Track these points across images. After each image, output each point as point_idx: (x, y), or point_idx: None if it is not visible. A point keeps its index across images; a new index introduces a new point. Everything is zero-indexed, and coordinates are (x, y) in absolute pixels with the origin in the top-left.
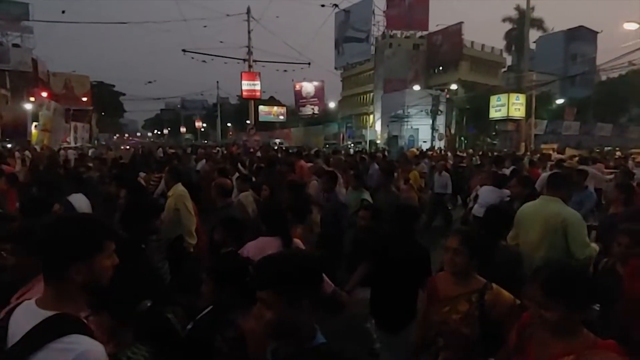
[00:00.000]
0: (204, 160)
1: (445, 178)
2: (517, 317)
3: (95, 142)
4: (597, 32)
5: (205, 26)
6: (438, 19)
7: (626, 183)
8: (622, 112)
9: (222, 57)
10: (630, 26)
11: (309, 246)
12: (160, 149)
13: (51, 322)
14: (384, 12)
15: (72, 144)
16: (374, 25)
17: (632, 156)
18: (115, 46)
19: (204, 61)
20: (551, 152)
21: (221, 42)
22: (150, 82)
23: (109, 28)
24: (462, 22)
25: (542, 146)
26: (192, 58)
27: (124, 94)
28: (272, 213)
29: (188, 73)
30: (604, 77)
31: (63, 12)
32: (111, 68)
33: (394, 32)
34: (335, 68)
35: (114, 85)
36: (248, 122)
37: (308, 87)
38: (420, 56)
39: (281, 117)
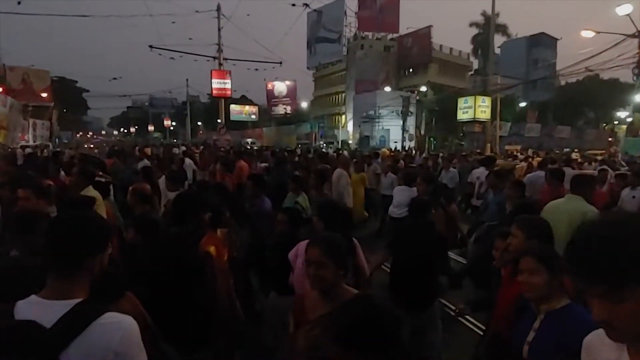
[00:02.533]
0: (145, 160)
1: (391, 179)
2: None
3: (57, 140)
4: (557, 39)
5: (173, 22)
6: (408, 22)
7: (519, 181)
8: (579, 116)
9: (192, 54)
10: (587, 34)
11: (233, 250)
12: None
13: (84, 306)
14: (355, 13)
15: (31, 142)
16: (345, 26)
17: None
18: (79, 40)
19: (172, 58)
20: (515, 152)
21: (190, 39)
22: (115, 78)
23: (71, 21)
24: (431, 26)
25: (506, 147)
26: (160, 55)
27: (87, 90)
28: (331, 211)
29: (156, 70)
30: (563, 82)
31: (19, 2)
32: (74, 63)
33: (366, 33)
34: (308, 68)
35: (76, 81)
36: (219, 121)
37: (280, 87)
38: (391, 58)
39: (253, 117)
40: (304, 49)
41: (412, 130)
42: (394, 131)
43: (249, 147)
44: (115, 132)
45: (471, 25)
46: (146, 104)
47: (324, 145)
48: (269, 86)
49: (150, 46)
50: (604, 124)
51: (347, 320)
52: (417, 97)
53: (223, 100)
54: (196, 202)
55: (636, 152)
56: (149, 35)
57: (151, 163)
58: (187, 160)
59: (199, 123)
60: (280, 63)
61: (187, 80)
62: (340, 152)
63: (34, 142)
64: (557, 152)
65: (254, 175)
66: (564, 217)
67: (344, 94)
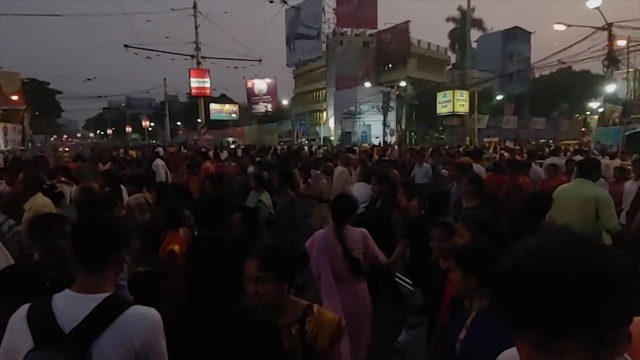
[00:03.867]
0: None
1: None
2: (339, 337)
3: (29, 144)
4: (531, 33)
5: (149, 20)
6: (386, 18)
7: (475, 177)
8: (553, 107)
9: (169, 53)
10: (559, 27)
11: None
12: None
13: (114, 298)
14: (333, 9)
15: (2, 147)
16: (324, 22)
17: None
18: (51, 41)
19: (148, 57)
20: (493, 144)
21: (167, 37)
22: (90, 79)
23: (42, 21)
24: (409, 21)
25: (485, 140)
26: (136, 54)
27: (60, 92)
28: (340, 204)
29: (132, 70)
30: (537, 75)
31: None
32: (46, 64)
33: (344, 29)
34: (287, 65)
35: (48, 83)
36: (199, 120)
37: (260, 85)
38: (370, 54)
39: (233, 115)
40: (283, 46)
41: (393, 125)
42: (375, 126)
43: (231, 146)
44: (91, 135)
45: (448, 20)
46: (123, 104)
47: (306, 142)
48: (249, 84)
49: (126, 45)
50: (577, 115)
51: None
52: (397, 92)
53: (202, 100)
54: (224, 203)
55: (608, 142)
56: (124, 34)
57: (119, 165)
58: (159, 162)
59: (179, 123)
60: (260, 61)
61: (164, 79)
62: (323, 148)
63: (5, 146)
64: (533, 142)
65: (211, 175)
66: (575, 199)
67: (324, 91)
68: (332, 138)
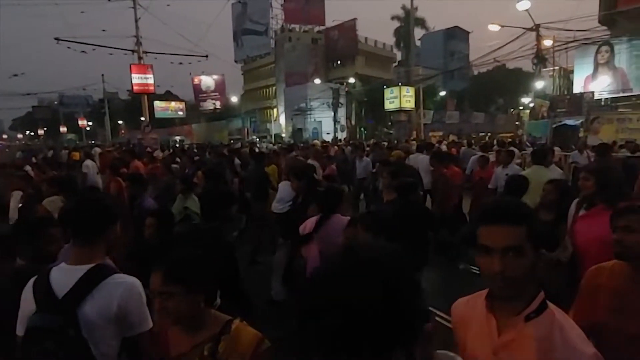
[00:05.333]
0: (28, 167)
1: None
2: (263, 357)
3: None
4: (469, 32)
5: (82, 12)
6: (333, 15)
7: (395, 170)
8: (491, 102)
9: (106, 47)
10: (493, 27)
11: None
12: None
13: (98, 268)
14: (281, 5)
15: None
16: (272, 18)
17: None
18: None
19: (84, 51)
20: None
21: (104, 30)
22: (17, 75)
23: None
24: (356, 19)
25: (430, 134)
26: (69, 48)
27: None
28: (327, 195)
29: (66, 65)
30: (476, 72)
31: None
32: None
33: (293, 26)
34: (236, 61)
35: None
36: (142, 119)
37: (208, 81)
38: (319, 50)
39: (180, 113)
40: (231, 42)
41: (343, 121)
42: (326, 123)
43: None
44: (20, 135)
45: (393, 18)
46: (56, 102)
47: (257, 139)
48: (196, 81)
49: (57, 39)
50: (512, 110)
51: None
52: (346, 89)
53: (146, 97)
54: (224, 197)
55: (538, 134)
56: (56, 26)
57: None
58: (89, 163)
59: (120, 122)
60: (207, 56)
61: (102, 75)
62: (278, 146)
63: None
64: (474, 136)
65: (131, 175)
66: (534, 184)
67: (274, 87)
68: (283, 135)
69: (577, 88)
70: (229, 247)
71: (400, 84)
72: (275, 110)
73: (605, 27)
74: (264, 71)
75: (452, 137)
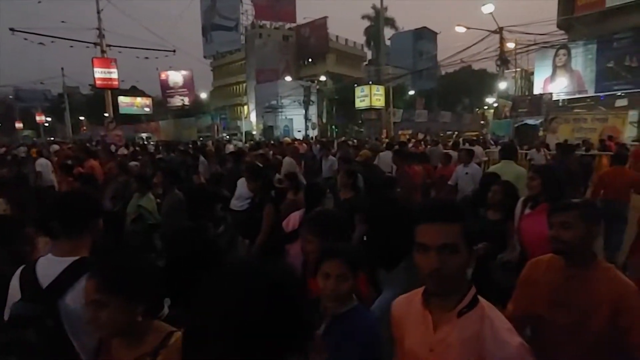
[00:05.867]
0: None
1: None
2: None
3: None
4: (437, 33)
5: (39, 2)
6: (304, 12)
7: (351, 170)
8: (458, 102)
9: (66, 39)
10: (460, 29)
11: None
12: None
13: (82, 261)
14: (251, 1)
15: None
16: (242, 14)
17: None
18: None
19: (41, 43)
20: (406, 137)
21: (63, 22)
22: None
23: None
24: (326, 17)
25: (400, 132)
26: (26, 39)
27: None
28: (311, 191)
29: (22, 58)
30: (443, 72)
31: None
32: None
33: (263, 22)
34: (205, 56)
35: None
36: (106, 115)
37: (175, 77)
38: (290, 47)
39: (147, 109)
40: (199, 37)
41: (314, 119)
42: (297, 120)
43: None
44: None
45: (363, 17)
46: (10, 97)
47: (227, 137)
48: (163, 76)
49: (12, 29)
50: (477, 109)
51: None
52: (317, 87)
53: (109, 92)
54: (209, 194)
55: (501, 132)
56: (11, 17)
57: None
58: (43, 161)
59: (82, 118)
60: (174, 51)
61: (62, 69)
62: (250, 143)
63: None
64: (442, 135)
65: (81, 175)
66: (507, 176)
67: (245, 84)
68: (254, 132)
69: (537, 89)
70: (214, 247)
71: (370, 82)
72: (245, 107)
73: (562, 32)
74: (234, 67)
75: (420, 136)
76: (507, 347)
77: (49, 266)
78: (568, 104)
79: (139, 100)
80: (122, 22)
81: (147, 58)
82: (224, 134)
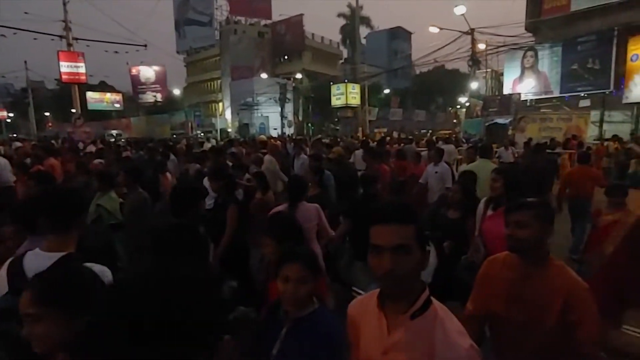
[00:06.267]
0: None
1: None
2: None
3: None
4: (411, 33)
5: None
6: (280, 9)
7: (317, 166)
8: (431, 101)
9: (30, 31)
10: (433, 30)
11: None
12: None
13: (69, 257)
14: None
15: None
16: (216, 9)
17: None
18: None
19: (2, 35)
20: (383, 135)
21: (26, 13)
22: None
23: None
24: (302, 14)
25: (375, 130)
26: None
27: None
28: (294, 184)
29: None
30: (418, 72)
31: None
32: None
33: (238, 18)
34: (178, 52)
35: None
36: (73, 111)
37: (147, 72)
38: (266, 44)
39: (117, 105)
40: (172, 32)
41: (290, 116)
42: (273, 118)
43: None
44: None
45: (339, 15)
46: None
47: (202, 134)
48: (134, 71)
49: None
50: (450, 108)
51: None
52: (294, 84)
53: (77, 87)
54: (194, 191)
55: (472, 131)
56: None
57: None
58: (1, 160)
59: (47, 114)
60: (145, 46)
61: (25, 62)
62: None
63: None
64: (416, 133)
65: (37, 174)
66: (481, 175)
67: (219, 81)
68: (229, 130)
69: (506, 89)
70: (205, 244)
71: (346, 80)
72: (220, 104)
73: (530, 34)
74: (208, 63)
75: (395, 134)
76: (457, 349)
77: (37, 261)
78: (535, 104)
79: (108, 95)
80: (90, 15)
81: (116, 52)
82: (199, 132)
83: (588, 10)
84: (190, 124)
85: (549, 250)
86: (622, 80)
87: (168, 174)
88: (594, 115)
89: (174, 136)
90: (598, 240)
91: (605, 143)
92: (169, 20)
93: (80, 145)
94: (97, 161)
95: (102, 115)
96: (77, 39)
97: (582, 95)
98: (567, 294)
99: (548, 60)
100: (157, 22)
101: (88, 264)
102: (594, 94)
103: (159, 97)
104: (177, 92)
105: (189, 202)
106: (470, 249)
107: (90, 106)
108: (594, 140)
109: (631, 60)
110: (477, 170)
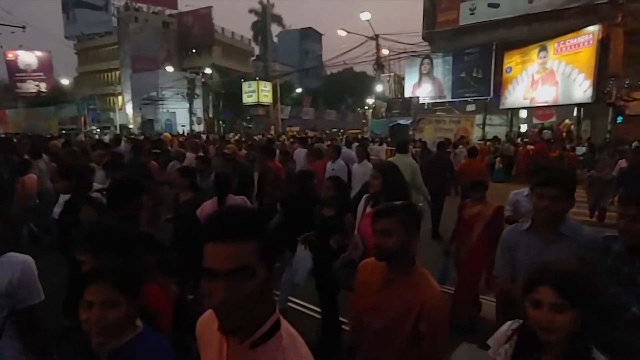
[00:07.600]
0: None
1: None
2: None
3: None
4: (322, 34)
5: None
6: (187, 0)
7: (186, 168)
8: (342, 101)
9: None
10: (341, 33)
11: None
12: None
13: None
14: None
15: None
16: None
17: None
18: None
19: None
20: (295, 133)
21: None
22: None
23: None
24: (211, 7)
25: (287, 129)
26: None
27: None
28: (220, 182)
29: None
30: (328, 72)
31: None
32: None
33: (140, 5)
34: (66, 37)
35: None
36: None
37: (28, 58)
38: (172, 36)
39: None
40: (59, 13)
41: (200, 113)
42: (180, 114)
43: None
44: None
45: (250, 11)
46: None
47: (98, 131)
48: (10, 56)
49: None
50: (359, 109)
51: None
52: (203, 79)
53: None
54: (134, 185)
55: (379, 131)
56: None
57: None
58: None
59: None
60: (24, 27)
61: None
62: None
63: None
64: (328, 132)
65: None
66: (402, 168)
67: (118, 72)
68: (131, 126)
69: (407, 93)
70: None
71: (258, 78)
72: (120, 97)
73: (427, 43)
74: (104, 52)
75: (311, 133)
76: None
77: None
78: (432, 107)
79: None
80: None
81: None
82: (94, 127)
83: (473, 26)
84: (83, 119)
85: (415, 257)
86: (499, 88)
87: (33, 175)
88: (478, 118)
89: (63, 132)
90: (464, 230)
91: (487, 143)
92: (55, 1)
93: None
94: None
95: None
96: None
97: (469, 100)
98: (421, 305)
99: (441, 68)
100: (39, 2)
101: (10, 253)
102: (478, 99)
103: (43, 87)
104: (66, 82)
105: (127, 197)
106: (350, 247)
107: None
108: (479, 140)
109: (506, 71)
110: (397, 163)
